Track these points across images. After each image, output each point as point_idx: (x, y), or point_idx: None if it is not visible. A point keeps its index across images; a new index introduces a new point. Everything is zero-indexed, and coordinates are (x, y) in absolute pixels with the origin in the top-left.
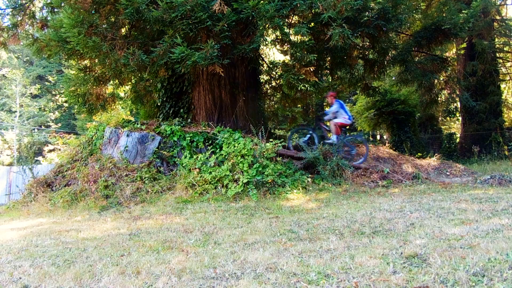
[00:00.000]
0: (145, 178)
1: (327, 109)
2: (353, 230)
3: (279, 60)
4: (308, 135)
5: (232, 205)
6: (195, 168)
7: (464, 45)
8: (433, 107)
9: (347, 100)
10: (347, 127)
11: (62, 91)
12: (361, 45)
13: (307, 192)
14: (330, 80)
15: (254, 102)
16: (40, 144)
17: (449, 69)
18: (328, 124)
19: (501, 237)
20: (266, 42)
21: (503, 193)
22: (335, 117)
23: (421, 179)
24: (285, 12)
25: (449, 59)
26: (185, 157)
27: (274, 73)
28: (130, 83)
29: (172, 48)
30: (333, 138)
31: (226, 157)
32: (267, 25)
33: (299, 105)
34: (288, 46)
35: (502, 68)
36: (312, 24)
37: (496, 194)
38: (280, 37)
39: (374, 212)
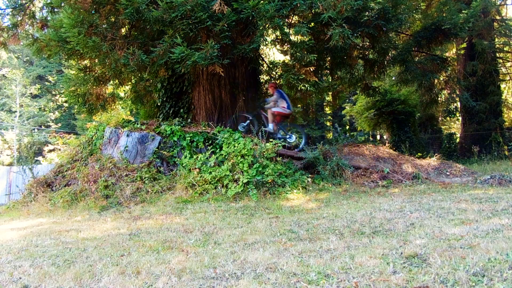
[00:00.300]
0: (145, 178)
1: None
2: (353, 230)
3: (279, 60)
4: (248, 121)
5: (232, 205)
6: (195, 168)
7: (464, 45)
8: (433, 107)
9: (347, 100)
10: (287, 117)
11: (62, 91)
12: (361, 45)
13: (307, 192)
14: (330, 80)
15: (254, 102)
16: (40, 144)
17: (449, 69)
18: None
19: (501, 237)
20: (266, 42)
21: (503, 193)
22: (275, 106)
23: (421, 179)
24: (285, 12)
25: (449, 59)
26: (185, 157)
27: (274, 73)
28: (130, 83)
29: (172, 48)
30: (269, 126)
31: (226, 157)
32: (267, 25)
33: (299, 105)
34: (288, 46)
35: (502, 68)
36: (312, 24)
37: (496, 194)
38: (280, 37)
39: (374, 212)
